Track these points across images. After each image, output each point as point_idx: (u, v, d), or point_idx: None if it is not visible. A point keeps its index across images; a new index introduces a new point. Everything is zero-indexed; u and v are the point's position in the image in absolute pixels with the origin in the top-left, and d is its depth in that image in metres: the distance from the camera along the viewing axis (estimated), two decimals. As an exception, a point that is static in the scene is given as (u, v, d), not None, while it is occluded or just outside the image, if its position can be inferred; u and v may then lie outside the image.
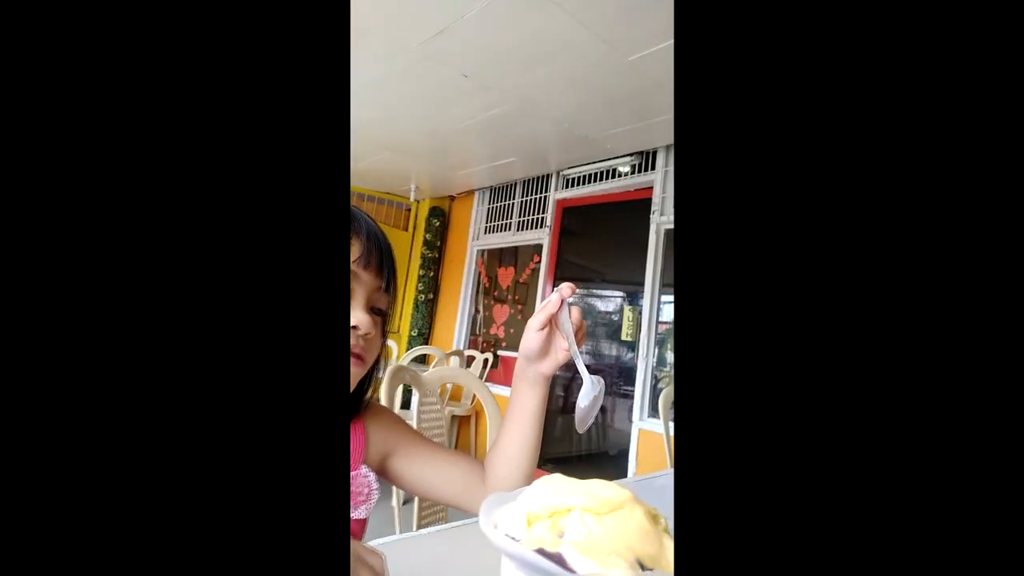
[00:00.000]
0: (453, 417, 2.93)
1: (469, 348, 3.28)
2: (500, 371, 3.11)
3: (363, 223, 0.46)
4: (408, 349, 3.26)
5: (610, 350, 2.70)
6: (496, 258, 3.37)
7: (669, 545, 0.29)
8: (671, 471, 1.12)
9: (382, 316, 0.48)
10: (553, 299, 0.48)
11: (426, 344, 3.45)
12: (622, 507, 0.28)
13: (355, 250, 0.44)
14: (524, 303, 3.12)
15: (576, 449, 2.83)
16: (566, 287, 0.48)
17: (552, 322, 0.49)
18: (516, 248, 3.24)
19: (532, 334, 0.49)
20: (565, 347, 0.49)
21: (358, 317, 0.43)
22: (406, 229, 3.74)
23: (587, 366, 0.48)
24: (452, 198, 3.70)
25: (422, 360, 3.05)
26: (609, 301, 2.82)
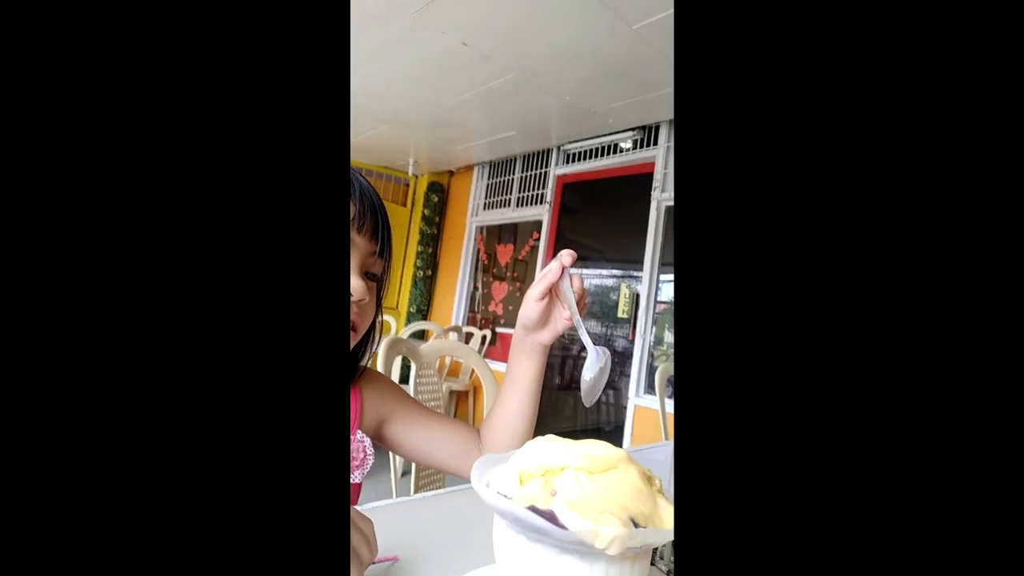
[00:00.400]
0: (452, 392, 2.95)
1: (467, 325, 3.29)
2: (498, 348, 3.12)
3: (357, 184, 0.44)
4: (407, 325, 3.26)
5: (607, 328, 2.70)
6: (495, 235, 3.35)
7: (663, 505, 0.29)
8: (665, 443, 1.13)
9: (377, 282, 0.47)
10: (553, 267, 0.47)
11: (425, 320, 3.45)
12: (616, 467, 0.28)
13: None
14: (523, 280, 3.11)
15: (570, 426, 2.86)
16: (566, 254, 0.47)
17: (552, 291, 0.48)
18: (516, 225, 3.21)
19: (531, 303, 0.48)
20: (566, 316, 0.48)
21: (351, 282, 0.42)
22: (405, 204, 3.70)
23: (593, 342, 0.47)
24: (451, 173, 3.65)
25: (421, 336, 3.06)
26: (608, 279, 2.81)
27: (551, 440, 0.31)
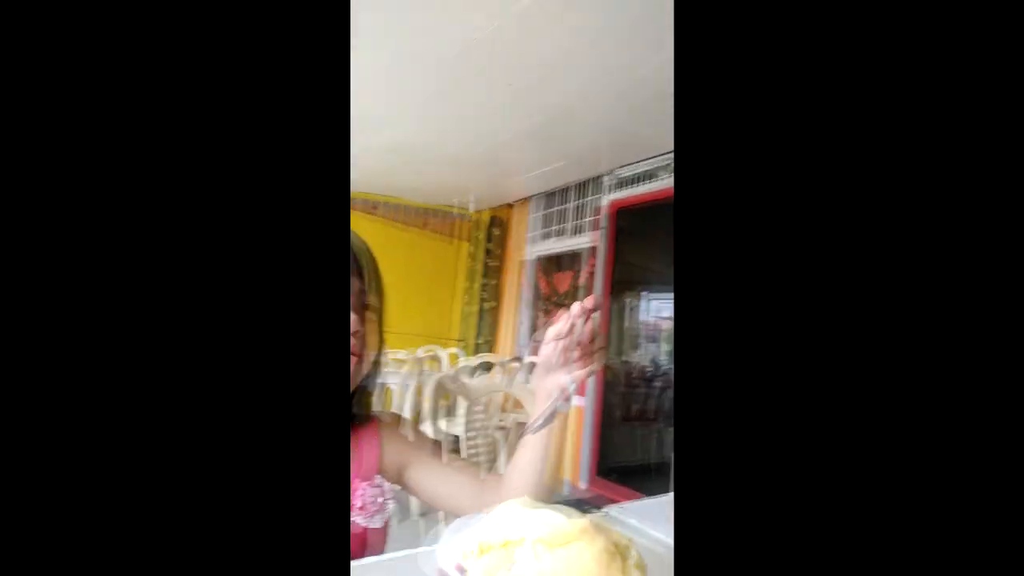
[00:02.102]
0: (520, 424, 2.94)
1: (531, 355, 3.29)
2: (564, 377, 3.06)
3: None
4: (474, 356, 3.33)
5: (670, 354, 2.56)
6: (555, 263, 3.36)
7: (637, 580, 0.27)
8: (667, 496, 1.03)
9: (376, 313, 0.51)
10: (574, 310, 0.48)
11: (491, 352, 3.51)
12: (578, 539, 0.27)
13: None
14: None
15: (639, 458, 2.72)
16: (590, 298, 0.47)
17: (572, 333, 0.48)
18: (576, 252, 3.20)
19: (551, 343, 0.49)
20: (578, 355, 0.48)
21: None
22: (468, 240, 3.84)
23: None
24: (509, 206, 3.75)
25: (488, 368, 3.11)
26: (669, 303, 2.69)
27: (519, 505, 0.30)
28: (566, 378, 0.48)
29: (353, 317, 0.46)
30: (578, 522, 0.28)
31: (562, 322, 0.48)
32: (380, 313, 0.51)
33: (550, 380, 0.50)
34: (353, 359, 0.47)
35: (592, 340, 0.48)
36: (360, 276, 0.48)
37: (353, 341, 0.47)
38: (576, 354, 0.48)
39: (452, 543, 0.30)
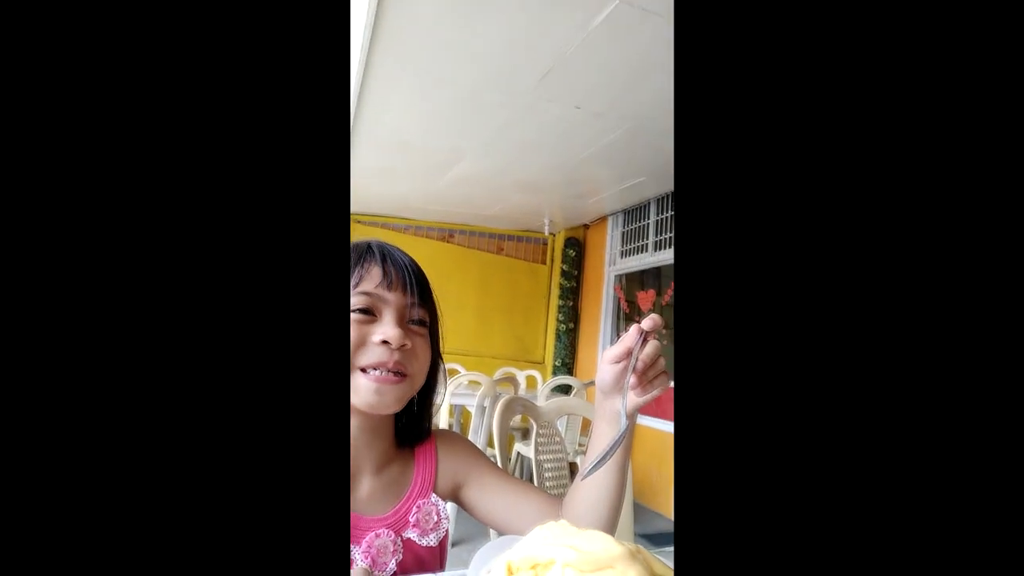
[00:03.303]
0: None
1: (613, 377, 3.16)
2: (648, 402, 2.90)
3: (377, 251, 0.49)
4: (552, 378, 3.29)
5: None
6: (636, 281, 3.24)
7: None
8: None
9: (426, 327, 0.50)
10: (632, 331, 0.45)
11: (570, 374, 3.44)
12: (611, 566, 0.25)
13: (376, 276, 0.47)
14: (673, 327, 2.90)
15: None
16: (649, 320, 0.44)
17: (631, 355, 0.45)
18: (658, 269, 3.07)
19: (605, 366, 0.46)
20: (634, 382, 0.45)
21: (387, 332, 0.45)
22: (544, 262, 3.86)
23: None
24: (586, 226, 3.71)
25: (566, 391, 3.05)
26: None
27: (555, 528, 0.28)
28: (620, 406, 0.44)
29: (399, 332, 0.45)
30: (616, 549, 0.25)
31: (619, 344, 0.45)
32: (433, 328, 0.51)
33: (607, 405, 0.47)
34: (400, 378, 0.47)
35: (651, 365, 0.45)
36: (405, 290, 0.48)
37: (399, 356, 0.46)
38: (633, 380, 0.44)
39: (484, 563, 0.28)
